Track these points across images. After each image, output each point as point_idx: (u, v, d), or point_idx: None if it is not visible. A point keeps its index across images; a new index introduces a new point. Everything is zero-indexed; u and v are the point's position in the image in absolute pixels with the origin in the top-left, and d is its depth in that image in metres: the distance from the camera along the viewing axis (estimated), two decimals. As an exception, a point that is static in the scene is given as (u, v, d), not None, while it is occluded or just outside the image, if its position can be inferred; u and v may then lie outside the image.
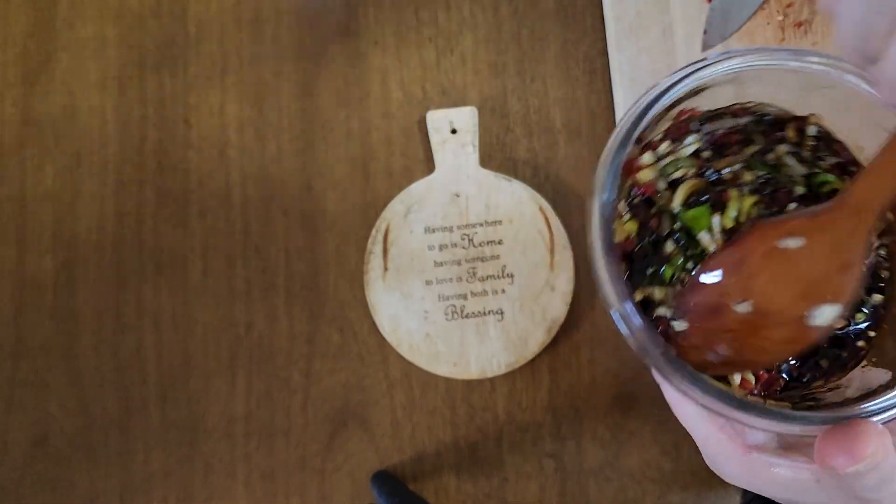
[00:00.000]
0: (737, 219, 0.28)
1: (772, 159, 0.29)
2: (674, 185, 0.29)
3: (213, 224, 0.54)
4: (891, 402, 0.24)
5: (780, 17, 0.54)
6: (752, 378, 0.28)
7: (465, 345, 0.51)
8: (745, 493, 0.48)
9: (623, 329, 0.25)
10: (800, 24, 0.54)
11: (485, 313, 0.52)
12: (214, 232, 0.54)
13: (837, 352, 0.28)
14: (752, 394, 0.27)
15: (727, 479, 0.27)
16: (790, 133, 0.28)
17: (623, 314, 0.25)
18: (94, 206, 0.55)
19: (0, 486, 0.52)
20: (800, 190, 0.28)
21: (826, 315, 0.23)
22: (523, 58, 0.55)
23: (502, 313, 0.52)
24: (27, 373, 0.53)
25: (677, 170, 0.29)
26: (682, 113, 0.28)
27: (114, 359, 0.53)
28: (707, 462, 0.28)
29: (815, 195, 0.28)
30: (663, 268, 0.28)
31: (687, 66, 0.25)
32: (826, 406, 0.26)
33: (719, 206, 0.28)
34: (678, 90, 0.26)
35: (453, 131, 0.53)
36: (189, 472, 0.52)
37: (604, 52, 0.55)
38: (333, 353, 0.53)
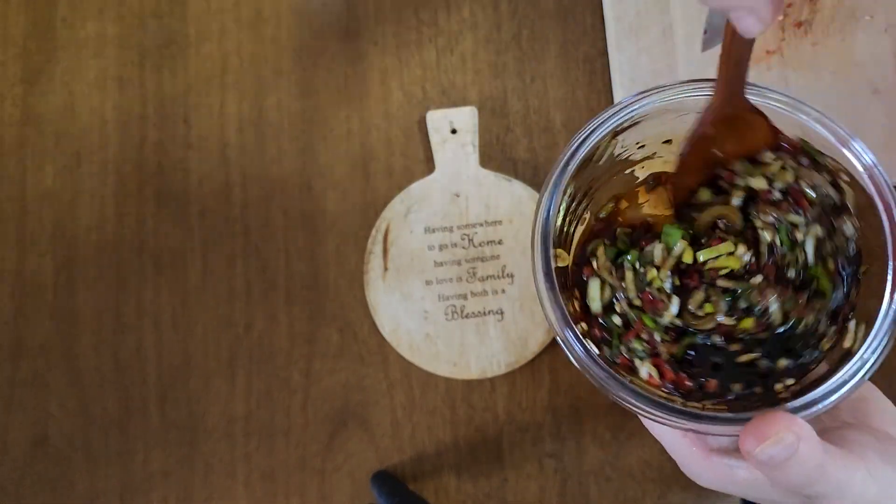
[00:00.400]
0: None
1: None
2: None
3: (213, 224, 0.54)
4: (814, 397, 0.26)
5: (781, 18, 0.54)
6: (657, 375, 0.30)
7: (465, 345, 0.51)
8: (745, 493, 0.49)
9: (566, 352, 0.28)
10: (800, 24, 0.54)
11: (485, 313, 0.52)
12: (214, 232, 0.54)
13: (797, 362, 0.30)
14: (662, 388, 0.30)
15: (697, 482, 0.30)
16: None
17: (564, 340, 0.27)
18: (93, 205, 0.55)
19: (0, 485, 0.52)
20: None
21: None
22: (523, 58, 0.55)
23: (502, 313, 0.52)
24: (27, 373, 0.53)
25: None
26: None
27: (113, 359, 0.53)
28: (680, 467, 0.31)
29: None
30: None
31: (600, 115, 0.29)
32: (759, 406, 0.28)
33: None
34: (599, 134, 0.29)
35: (453, 131, 0.53)
36: (189, 472, 0.52)
37: (604, 52, 0.55)
38: (333, 353, 0.53)
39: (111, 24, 0.57)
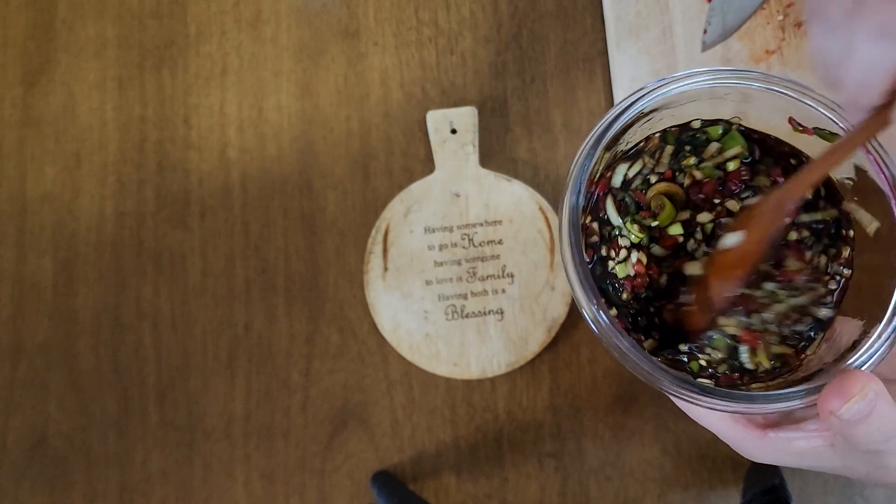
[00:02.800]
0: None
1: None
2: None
3: (213, 224, 0.54)
4: (867, 353, 0.27)
5: (781, 17, 0.54)
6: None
7: (466, 345, 0.51)
8: (745, 492, 0.48)
9: (593, 328, 0.28)
10: (800, 25, 0.54)
11: (485, 313, 0.52)
12: (214, 232, 0.54)
13: (805, 327, 0.31)
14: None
15: (754, 459, 0.30)
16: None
17: (592, 316, 0.28)
18: (93, 206, 0.55)
19: (-1, 486, 0.52)
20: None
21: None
22: (523, 58, 0.55)
23: (502, 313, 0.52)
24: (26, 373, 0.53)
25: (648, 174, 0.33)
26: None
27: (113, 359, 0.53)
28: (735, 448, 0.31)
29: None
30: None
31: (645, 87, 0.29)
32: (807, 378, 0.29)
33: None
34: (641, 105, 0.29)
35: (453, 131, 0.53)
36: (188, 472, 0.52)
37: (604, 52, 0.55)
38: (333, 354, 0.52)
39: (111, 24, 0.57)
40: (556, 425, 0.52)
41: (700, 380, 0.30)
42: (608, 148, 0.29)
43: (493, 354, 0.51)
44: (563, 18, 0.56)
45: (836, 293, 0.31)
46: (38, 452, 0.52)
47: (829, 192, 0.32)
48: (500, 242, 0.52)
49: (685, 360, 0.31)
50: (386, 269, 0.52)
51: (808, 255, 0.32)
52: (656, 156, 0.32)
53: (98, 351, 0.53)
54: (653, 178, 0.33)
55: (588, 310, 0.28)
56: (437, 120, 0.53)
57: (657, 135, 0.32)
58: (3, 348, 0.53)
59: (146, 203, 0.55)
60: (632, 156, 0.32)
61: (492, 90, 0.55)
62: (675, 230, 0.32)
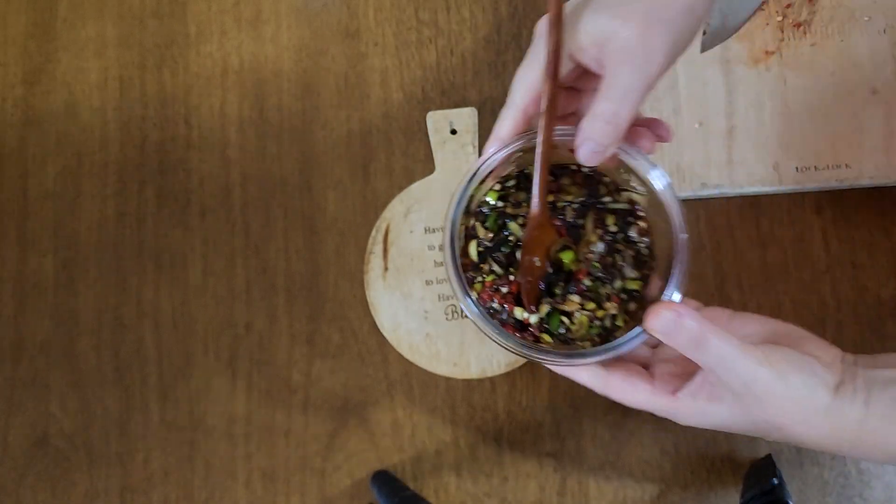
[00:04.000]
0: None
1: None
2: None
3: (214, 224, 0.54)
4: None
5: (780, 18, 0.54)
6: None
7: (466, 344, 0.51)
8: (744, 492, 0.49)
9: (467, 312, 0.38)
10: (799, 25, 0.54)
11: (485, 313, 0.52)
12: (215, 232, 0.54)
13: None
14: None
15: (681, 423, 0.37)
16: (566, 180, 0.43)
17: (464, 304, 0.38)
18: (94, 205, 0.55)
19: (0, 485, 0.52)
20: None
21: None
22: (523, 58, 0.55)
23: (502, 313, 0.52)
24: (27, 372, 0.53)
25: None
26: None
27: (114, 358, 0.53)
28: (658, 414, 0.38)
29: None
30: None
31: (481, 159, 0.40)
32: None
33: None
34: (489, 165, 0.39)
35: (453, 132, 0.54)
36: (189, 471, 0.52)
37: (603, 53, 0.55)
38: (333, 353, 0.53)
39: (111, 24, 0.57)
40: (555, 425, 0.52)
41: (541, 343, 0.40)
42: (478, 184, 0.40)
43: (493, 354, 0.51)
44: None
45: (643, 260, 0.41)
46: (40, 451, 0.53)
47: (615, 184, 0.42)
48: (499, 243, 0.52)
49: (553, 330, 0.41)
50: (386, 269, 0.53)
51: (615, 230, 0.42)
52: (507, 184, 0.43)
53: (99, 350, 0.53)
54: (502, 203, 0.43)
55: (462, 300, 0.38)
56: (437, 120, 0.54)
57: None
58: (4, 347, 0.53)
59: (147, 203, 0.55)
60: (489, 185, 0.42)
61: (492, 91, 0.55)
62: (516, 230, 0.42)
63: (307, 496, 0.52)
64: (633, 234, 0.42)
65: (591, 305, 0.41)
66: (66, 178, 0.55)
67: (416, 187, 0.53)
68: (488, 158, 0.39)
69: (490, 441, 0.52)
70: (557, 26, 0.36)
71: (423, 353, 0.52)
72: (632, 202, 0.42)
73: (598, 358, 0.38)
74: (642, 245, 0.41)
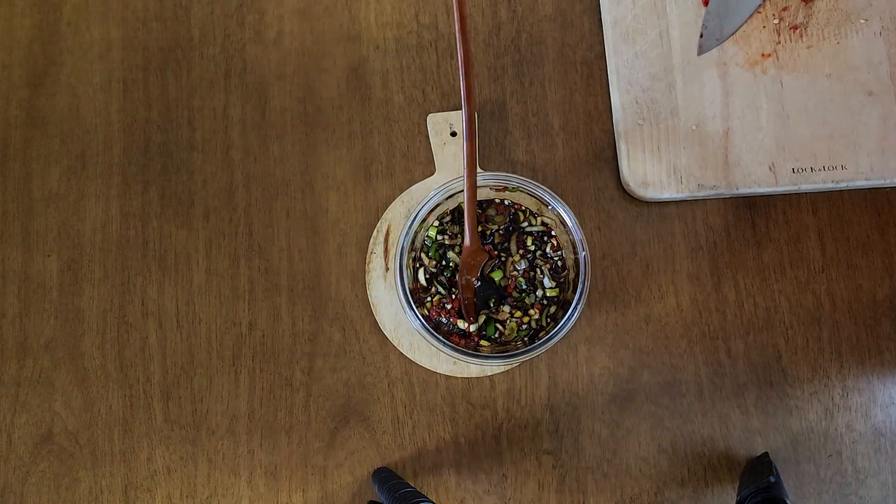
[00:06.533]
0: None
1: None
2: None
3: (217, 224, 0.55)
4: (577, 304, 0.48)
5: (776, 21, 0.55)
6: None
7: (465, 344, 0.52)
8: (741, 490, 0.49)
9: (412, 322, 0.48)
10: (795, 28, 0.55)
11: (484, 312, 0.52)
12: (218, 232, 0.55)
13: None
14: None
15: None
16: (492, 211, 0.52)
17: (410, 315, 0.48)
18: (98, 206, 0.55)
19: (5, 483, 0.53)
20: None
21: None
22: (522, 61, 0.56)
23: (502, 312, 0.52)
24: (32, 371, 0.54)
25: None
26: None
27: (118, 357, 0.54)
28: None
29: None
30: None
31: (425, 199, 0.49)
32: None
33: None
34: (429, 205, 0.49)
35: (453, 134, 0.54)
36: (192, 469, 0.53)
37: (601, 56, 0.56)
38: (335, 352, 0.53)
39: (115, 27, 0.58)
40: (553, 423, 0.52)
41: (480, 348, 0.49)
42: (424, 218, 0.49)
43: (493, 353, 0.52)
44: (562, 22, 0.56)
45: (558, 270, 0.50)
46: (45, 449, 0.53)
47: (530, 211, 0.51)
48: (499, 243, 0.53)
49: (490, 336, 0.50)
50: (387, 268, 0.53)
51: (534, 249, 0.51)
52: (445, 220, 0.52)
53: (104, 349, 0.54)
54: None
55: (410, 317, 0.48)
56: (437, 123, 0.54)
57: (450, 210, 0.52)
58: (9, 347, 0.54)
59: (151, 204, 0.55)
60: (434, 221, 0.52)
61: (491, 93, 0.55)
62: (454, 257, 0.51)
63: (309, 493, 0.52)
64: (548, 251, 0.51)
65: (518, 313, 0.50)
66: (71, 180, 0.56)
67: (417, 188, 0.54)
68: (427, 202, 0.48)
69: (489, 439, 0.52)
70: (469, 99, 0.45)
71: (423, 351, 0.52)
72: (545, 225, 0.51)
73: (526, 356, 0.47)
74: (556, 258, 0.51)
